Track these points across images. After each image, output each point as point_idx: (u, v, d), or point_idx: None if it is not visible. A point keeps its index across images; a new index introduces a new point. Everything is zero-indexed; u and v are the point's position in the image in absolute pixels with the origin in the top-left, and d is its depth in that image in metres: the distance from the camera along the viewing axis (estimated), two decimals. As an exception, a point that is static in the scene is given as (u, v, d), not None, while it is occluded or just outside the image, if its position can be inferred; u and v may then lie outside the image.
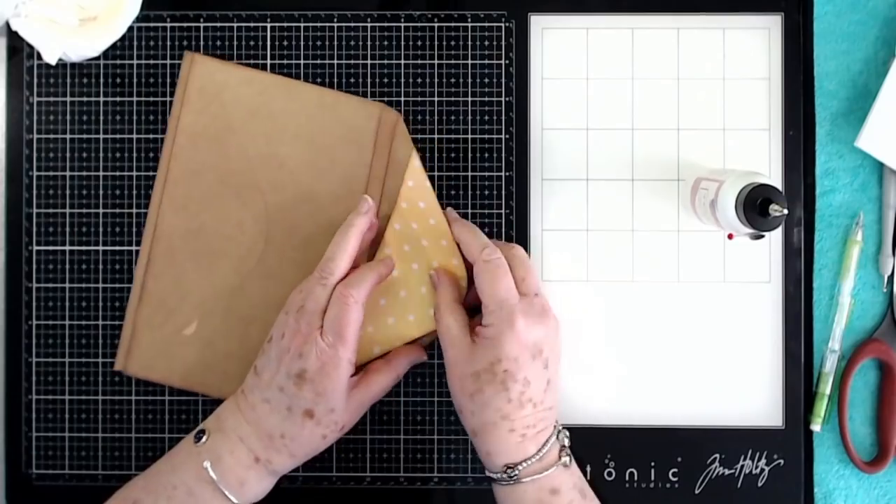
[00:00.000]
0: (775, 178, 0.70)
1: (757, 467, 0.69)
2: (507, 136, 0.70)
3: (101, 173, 0.71)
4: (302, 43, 0.71)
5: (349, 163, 0.69)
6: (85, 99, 0.71)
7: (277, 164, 0.69)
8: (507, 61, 0.71)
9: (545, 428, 0.62)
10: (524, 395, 0.60)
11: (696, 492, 0.70)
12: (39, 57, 0.70)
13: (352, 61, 0.71)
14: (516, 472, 0.60)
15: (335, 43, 0.71)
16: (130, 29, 0.70)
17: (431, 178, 0.70)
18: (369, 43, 0.71)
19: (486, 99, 0.70)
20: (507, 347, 0.60)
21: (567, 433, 0.63)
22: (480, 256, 0.62)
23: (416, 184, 0.68)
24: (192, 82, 0.69)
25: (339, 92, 0.70)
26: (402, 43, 0.71)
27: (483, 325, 0.61)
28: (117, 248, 0.71)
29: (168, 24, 0.71)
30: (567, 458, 0.61)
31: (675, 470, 0.70)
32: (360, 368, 0.66)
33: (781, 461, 0.69)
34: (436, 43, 0.71)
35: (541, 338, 0.61)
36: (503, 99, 0.70)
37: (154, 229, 0.69)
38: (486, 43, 0.71)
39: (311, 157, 0.69)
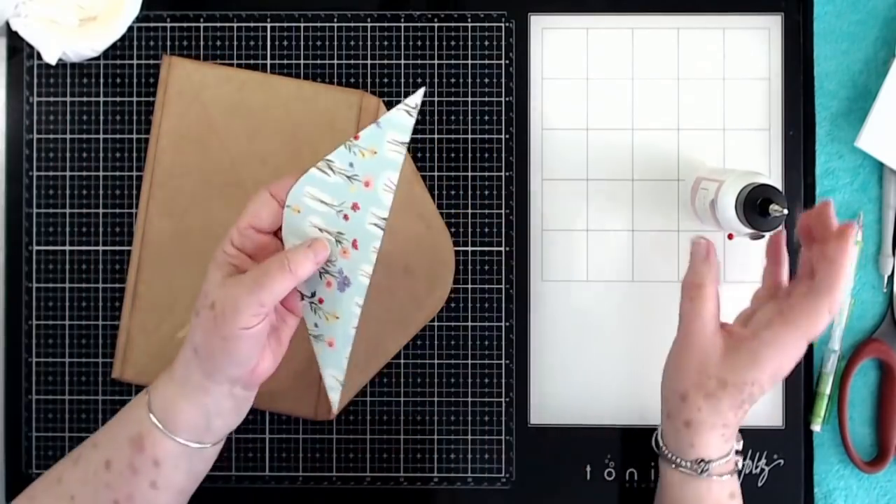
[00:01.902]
0: (775, 178, 0.70)
1: (757, 467, 0.69)
2: (507, 136, 0.70)
3: (101, 173, 0.71)
4: (302, 43, 0.71)
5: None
6: (85, 99, 0.71)
7: (260, 160, 0.69)
8: (507, 61, 0.71)
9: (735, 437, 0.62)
10: (748, 411, 0.59)
11: (696, 492, 0.70)
12: (39, 57, 0.70)
13: (352, 61, 0.71)
14: (708, 467, 0.59)
15: (335, 43, 0.71)
16: (130, 29, 0.70)
17: (431, 178, 0.70)
18: (369, 43, 0.71)
19: (486, 99, 0.70)
20: (767, 374, 0.58)
21: (741, 437, 0.62)
22: (838, 288, 0.56)
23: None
24: (171, 85, 0.69)
25: (317, 83, 0.70)
26: (402, 43, 0.71)
27: (751, 331, 0.59)
28: (117, 248, 0.71)
29: (168, 24, 0.71)
30: (741, 465, 0.61)
31: (675, 470, 0.69)
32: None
33: (781, 461, 0.69)
34: (436, 43, 0.71)
35: (790, 363, 0.59)
36: (503, 99, 0.70)
37: (142, 235, 0.69)
38: (486, 43, 0.71)
39: (294, 150, 0.69)
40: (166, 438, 0.58)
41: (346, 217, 0.59)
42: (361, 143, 0.58)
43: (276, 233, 0.59)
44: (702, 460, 0.59)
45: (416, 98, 0.58)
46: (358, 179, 0.58)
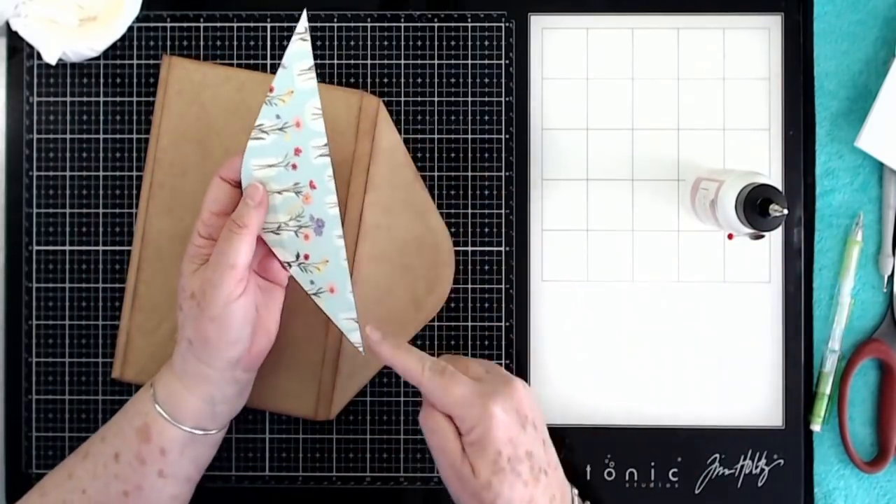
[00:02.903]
0: (775, 178, 0.70)
1: (757, 467, 0.69)
2: (507, 136, 0.70)
3: (101, 173, 0.71)
4: (302, 43, 0.71)
5: (332, 154, 0.68)
6: (85, 99, 0.71)
7: None
8: (507, 61, 0.71)
9: (563, 493, 0.59)
10: (533, 467, 0.57)
11: (696, 492, 0.70)
12: (39, 57, 0.70)
13: (352, 61, 0.71)
14: None
15: (335, 43, 0.71)
16: (130, 29, 0.70)
17: (431, 178, 0.70)
18: (369, 43, 0.71)
19: (486, 99, 0.70)
20: (498, 436, 0.56)
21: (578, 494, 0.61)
22: (423, 375, 0.58)
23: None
24: (171, 85, 0.69)
25: (316, 83, 0.69)
26: (402, 43, 0.71)
27: (463, 434, 0.57)
28: (117, 248, 0.71)
29: (168, 24, 0.71)
30: None
31: (675, 470, 0.69)
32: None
33: (781, 461, 0.69)
34: (436, 43, 0.71)
35: (517, 405, 0.57)
36: (503, 99, 0.70)
37: (142, 235, 0.69)
38: (486, 43, 0.71)
39: None
40: (172, 427, 0.60)
41: (294, 166, 0.60)
42: (277, 91, 0.59)
43: None
44: None
45: (303, 23, 0.59)
46: (290, 126, 0.60)
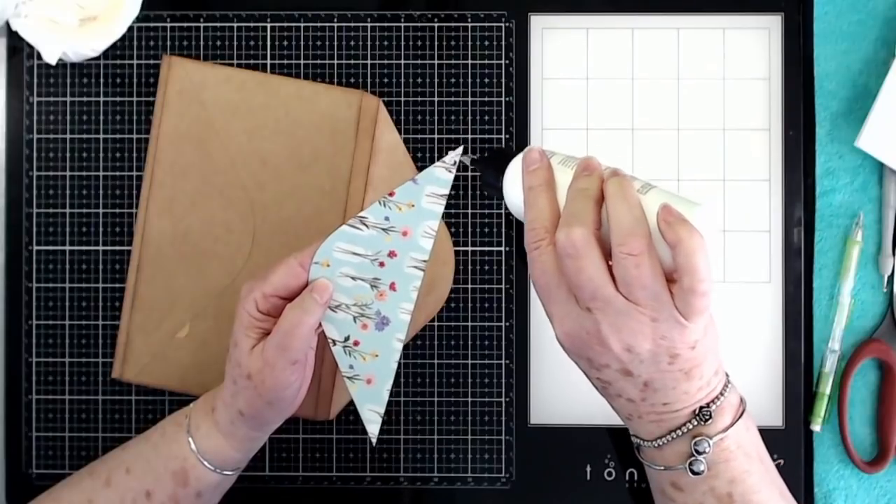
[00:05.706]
0: (775, 178, 0.70)
1: (757, 467, 0.69)
2: (507, 136, 0.70)
3: (101, 173, 0.71)
4: (302, 43, 0.71)
5: (332, 154, 0.69)
6: (85, 99, 0.71)
7: (260, 160, 0.69)
8: (507, 61, 0.71)
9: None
10: (638, 386, 0.57)
11: (696, 492, 0.69)
12: (39, 57, 0.70)
13: (352, 61, 0.71)
14: (639, 450, 0.59)
15: (335, 43, 0.71)
16: (130, 29, 0.70)
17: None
18: (369, 43, 0.71)
19: (486, 99, 0.70)
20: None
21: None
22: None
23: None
24: (171, 85, 0.69)
25: (317, 83, 0.70)
26: (402, 43, 0.71)
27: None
28: (117, 248, 0.71)
29: (168, 24, 0.71)
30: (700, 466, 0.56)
31: (675, 470, 0.69)
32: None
33: (781, 461, 0.69)
34: (436, 43, 0.71)
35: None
36: (503, 99, 0.70)
37: (142, 235, 0.69)
38: (486, 43, 0.71)
39: (294, 151, 0.69)
40: (212, 473, 0.61)
41: (381, 264, 0.60)
42: (397, 198, 0.59)
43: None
44: (635, 437, 0.59)
45: (454, 156, 0.59)
46: (395, 230, 0.60)
